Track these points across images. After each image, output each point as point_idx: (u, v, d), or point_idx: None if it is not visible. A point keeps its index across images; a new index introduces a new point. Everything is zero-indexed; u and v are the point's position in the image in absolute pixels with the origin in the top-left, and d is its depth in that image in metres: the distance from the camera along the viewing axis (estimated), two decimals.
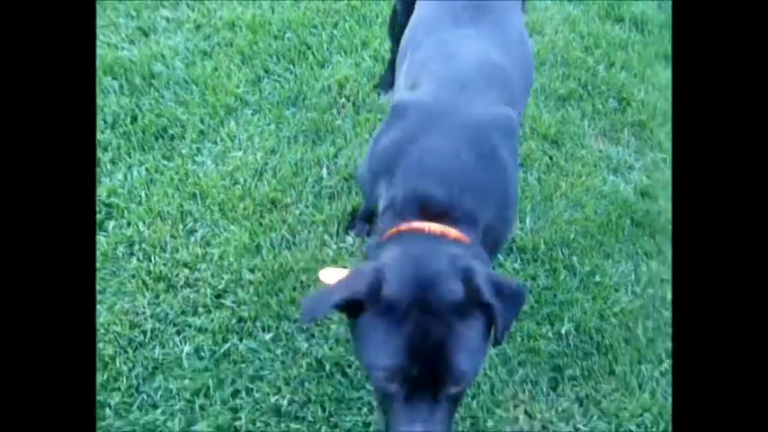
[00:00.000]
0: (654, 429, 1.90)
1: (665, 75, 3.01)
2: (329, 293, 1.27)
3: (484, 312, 1.25)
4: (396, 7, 2.25)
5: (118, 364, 1.83)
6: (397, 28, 2.10)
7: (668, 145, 2.71)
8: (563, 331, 2.05)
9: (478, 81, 1.60)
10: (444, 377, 1.21)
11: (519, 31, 1.86)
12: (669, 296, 2.20)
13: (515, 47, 1.77)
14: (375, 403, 1.34)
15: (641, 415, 1.93)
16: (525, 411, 1.90)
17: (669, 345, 2.09)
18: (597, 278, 2.21)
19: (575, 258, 2.24)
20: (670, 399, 1.95)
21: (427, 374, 1.21)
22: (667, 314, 2.16)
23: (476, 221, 1.43)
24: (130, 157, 2.32)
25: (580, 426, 1.89)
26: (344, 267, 2.00)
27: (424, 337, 1.20)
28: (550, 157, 2.55)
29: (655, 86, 2.94)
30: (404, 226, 1.38)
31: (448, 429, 1.27)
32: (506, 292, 1.27)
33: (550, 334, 2.04)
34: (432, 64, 1.66)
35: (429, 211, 1.40)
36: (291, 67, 2.74)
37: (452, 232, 1.37)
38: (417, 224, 1.38)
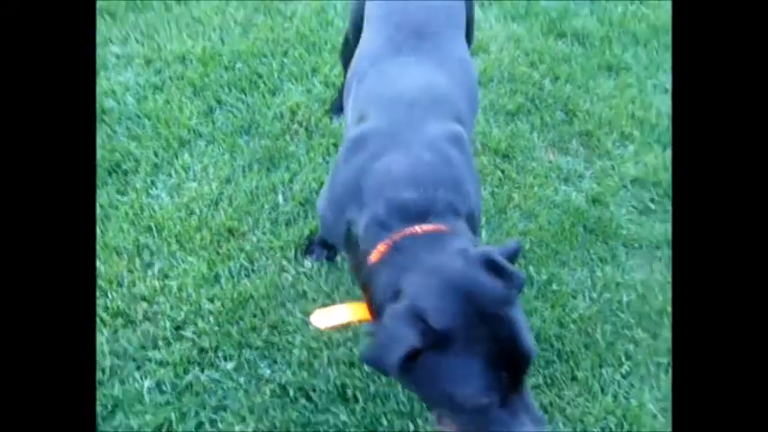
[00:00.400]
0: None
1: (607, 85, 3.11)
2: (380, 358, 1.19)
3: (511, 285, 1.26)
4: (347, 35, 2.30)
5: None
6: (348, 54, 2.15)
7: (616, 152, 2.79)
8: None
9: (425, 102, 1.64)
10: (524, 367, 1.23)
11: (460, 57, 1.90)
12: (625, 299, 2.25)
13: (457, 71, 1.81)
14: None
15: (605, 418, 1.96)
16: None
17: (628, 347, 2.13)
18: (554, 286, 2.25)
19: (531, 268, 2.28)
20: (632, 401, 1.99)
21: (512, 373, 1.22)
22: (625, 317, 2.21)
23: (458, 211, 1.45)
24: None
25: None
26: (333, 305, 1.97)
27: (494, 343, 1.19)
28: (502, 171, 2.60)
29: (599, 97, 3.03)
30: (396, 235, 1.37)
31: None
32: (514, 256, 1.33)
33: None
34: (378, 93, 1.70)
35: (412, 213, 1.40)
36: (243, 96, 2.76)
37: (443, 227, 1.38)
38: (409, 229, 1.37)
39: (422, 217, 1.40)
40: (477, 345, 1.18)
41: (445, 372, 1.20)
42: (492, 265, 1.25)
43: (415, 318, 1.17)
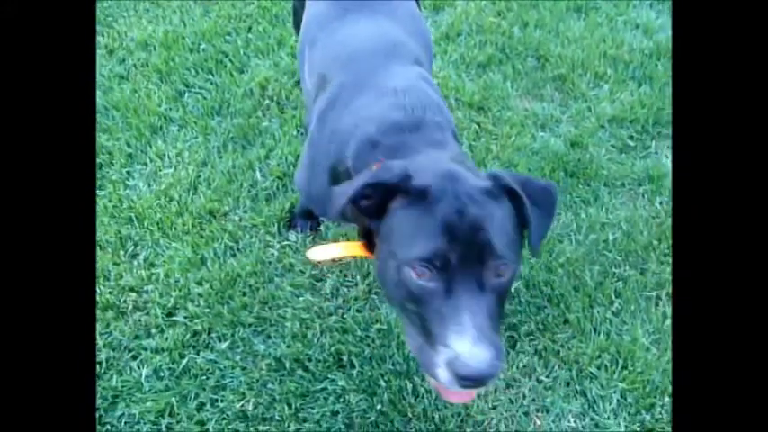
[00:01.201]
0: (613, 368, 1.95)
1: (577, 26, 3.08)
2: (359, 179, 1.26)
3: (513, 204, 1.26)
4: (294, 4, 2.29)
5: None
6: (299, 22, 2.13)
7: (591, 93, 2.78)
8: (513, 290, 2.09)
9: (384, 50, 1.66)
10: (484, 258, 1.17)
11: (407, 8, 1.91)
12: (611, 238, 2.26)
13: (407, 21, 1.83)
14: (406, 327, 1.29)
15: (600, 356, 1.98)
16: None
17: (617, 285, 2.15)
18: None
19: None
20: (625, 336, 2.02)
21: (466, 259, 1.17)
22: (611, 256, 2.22)
23: (445, 129, 1.48)
24: None
25: (542, 377, 1.93)
26: (334, 242, 2.02)
27: (459, 217, 1.18)
28: (478, 124, 2.59)
29: (569, 39, 3.00)
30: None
31: (497, 324, 1.21)
32: (533, 187, 1.28)
33: None
34: (334, 52, 1.70)
35: (405, 127, 1.44)
36: (211, 77, 2.73)
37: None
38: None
39: (414, 130, 1.43)
40: (440, 211, 1.19)
41: (403, 229, 1.23)
42: (491, 173, 1.28)
43: (404, 168, 1.25)
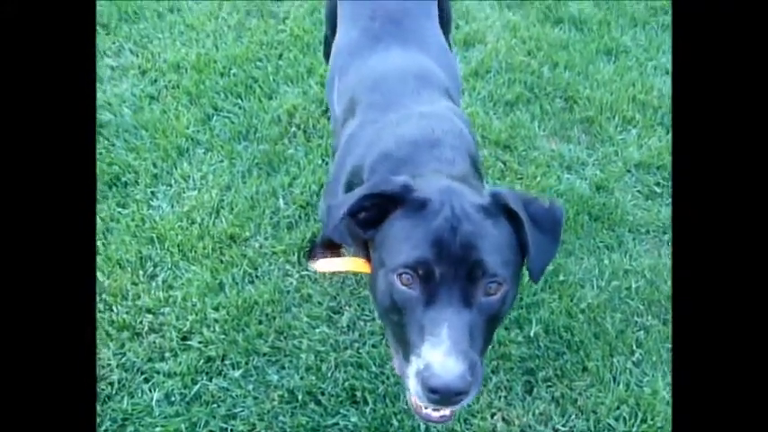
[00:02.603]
0: (632, 421, 1.90)
1: (607, 69, 3.07)
2: (358, 191, 1.27)
3: (512, 224, 1.26)
4: (326, 34, 2.31)
5: None
6: (329, 52, 2.16)
7: (618, 137, 2.76)
8: (532, 334, 2.05)
9: (414, 77, 1.68)
10: (475, 275, 1.16)
11: (437, 41, 1.94)
12: (634, 286, 2.22)
13: (437, 53, 1.86)
14: (390, 340, 1.30)
15: (618, 408, 1.93)
16: (503, 418, 1.89)
17: (639, 334, 2.10)
18: (561, 277, 2.22)
19: None
20: (646, 389, 1.97)
21: (455, 273, 1.16)
22: (634, 304, 2.18)
23: (463, 153, 1.49)
24: None
25: (559, 426, 1.89)
26: (340, 256, 2.05)
27: (451, 231, 1.18)
28: (504, 163, 2.58)
29: (599, 82, 2.99)
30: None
31: (480, 345, 1.18)
32: (536, 208, 1.27)
33: (520, 338, 2.04)
34: (364, 78, 1.72)
35: (421, 144, 1.46)
36: (240, 101, 2.75)
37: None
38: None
39: (428, 147, 1.44)
40: (434, 226, 1.19)
41: (396, 238, 1.23)
42: (493, 192, 1.27)
43: (406, 181, 1.26)
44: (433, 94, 1.67)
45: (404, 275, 1.18)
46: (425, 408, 1.24)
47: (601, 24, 3.34)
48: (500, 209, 1.25)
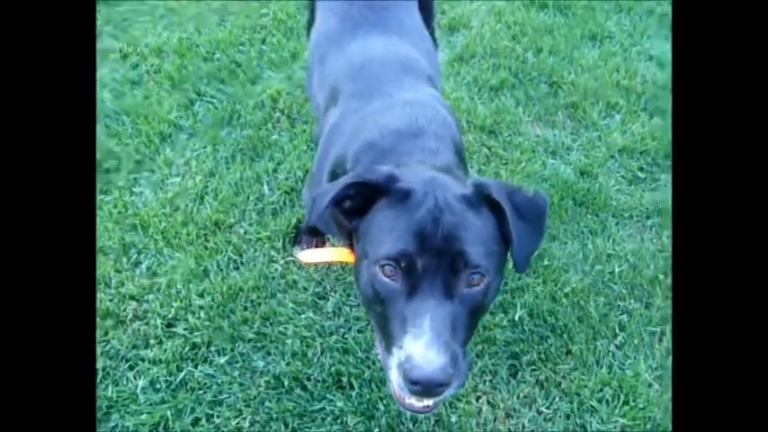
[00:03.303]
0: (615, 403, 1.93)
1: (591, 55, 3.08)
2: (343, 179, 1.27)
3: (495, 215, 1.25)
4: (308, 19, 2.29)
5: None
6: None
7: (602, 123, 2.77)
8: (517, 318, 2.07)
9: (396, 64, 1.67)
10: (457, 266, 1.16)
11: (417, 27, 1.93)
12: (617, 270, 2.24)
13: (417, 39, 1.85)
14: (375, 331, 1.30)
15: (601, 390, 1.96)
16: (488, 402, 1.91)
17: (622, 318, 2.12)
18: (546, 261, 2.24)
19: None
20: (628, 371, 1.99)
21: (437, 265, 1.16)
22: (617, 288, 2.20)
23: (446, 142, 1.49)
24: None
25: (543, 409, 1.91)
26: (325, 243, 2.07)
27: (433, 223, 1.17)
28: (489, 148, 2.58)
29: (583, 67, 3.00)
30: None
31: (463, 336, 1.18)
32: (519, 198, 1.26)
33: (505, 322, 2.06)
34: (346, 65, 1.71)
35: (404, 133, 1.46)
36: (223, 87, 2.72)
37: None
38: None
39: (412, 137, 1.44)
40: (417, 218, 1.19)
41: (379, 229, 1.24)
42: (477, 182, 1.27)
43: (391, 171, 1.26)
44: (415, 81, 1.66)
45: (386, 267, 1.18)
46: (408, 398, 1.24)
47: (585, 9, 3.34)
48: (483, 199, 1.25)
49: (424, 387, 1.10)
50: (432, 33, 2.15)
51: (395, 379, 1.16)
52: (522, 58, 3.00)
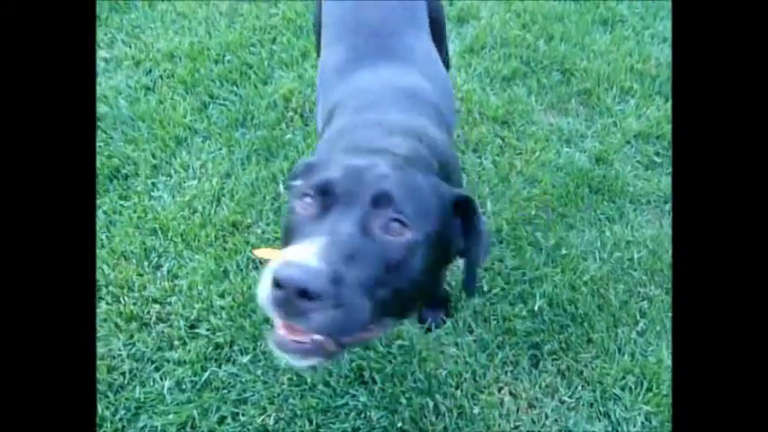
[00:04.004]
0: (638, 390, 1.92)
1: (603, 40, 3.06)
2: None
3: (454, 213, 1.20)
4: (315, 19, 2.27)
5: (100, 409, 1.83)
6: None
7: (617, 108, 2.75)
8: (536, 308, 2.07)
9: (400, 101, 1.60)
10: (379, 201, 1.06)
11: (426, 53, 1.84)
12: (636, 257, 2.23)
13: (426, 66, 1.78)
14: None
15: (624, 377, 1.95)
16: (510, 392, 1.91)
17: (642, 305, 2.12)
18: (563, 250, 2.23)
19: (539, 234, 2.26)
20: (650, 358, 1.98)
21: (357, 196, 1.06)
22: (637, 275, 2.19)
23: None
24: None
25: (565, 398, 1.91)
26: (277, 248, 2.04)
27: (369, 168, 1.10)
28: (502, 138, 2.58)
29: (595, 53, 2.97)
30: None
31: (363, 282, 0.99)
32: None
33: (524, 312, 2.06)
34: (346, 95, 1.66)
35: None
36: (235, 88, 2.75)
37: None
38: None
39: (390, 134, 1.40)
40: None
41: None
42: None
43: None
44: (421, 110, 1.59)
45: (305, 198, 1.10)
46: (280, 327, 1.06)
47: None
48: (451, 196, 1.20)
49: (285, 292, 0.92)
50: (445, 55, 2.08)
51: (263, 294, 0.98)
52: (534, 46, 2.99)
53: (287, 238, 1.13)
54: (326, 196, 1.08)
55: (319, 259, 0.93)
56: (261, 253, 1.65)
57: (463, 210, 1.21)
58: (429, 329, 2.02)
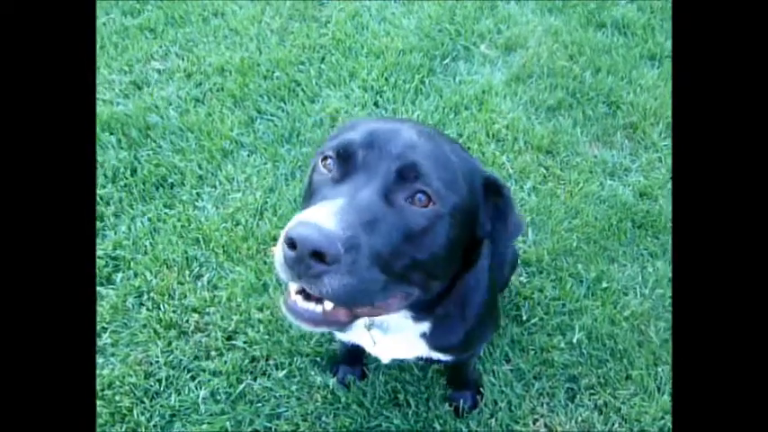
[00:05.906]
0: None
1: (651, 75, 3.04)
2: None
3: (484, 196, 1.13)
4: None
5: (135, 415, 1.84)
6: None
7: (662, 144, 2.72)
8: (575, 340, 2.04)
9: None
10: (405, 174, 0.99)
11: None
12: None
13: None
14: None
15: (663, 418, 1.91)
16: (545, 425, 1.89)
17: None
18: (604, 284, 2.20)
19: (580, 266, 2.24)
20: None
21: (384, 165, 0.99)
22: None
23: None
24: (133, 209, 2.35)
25: None
26: None
27: (394, 133, 1.03)
28: (546, 168, 2.57)
29: (642, 87, 2.96)
30: None
31: (381, 251, 0.94)
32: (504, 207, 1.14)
33: (563, 344, 2.03)
34: None
35: None
36: (283, 105, 2.79)
37: None
38: None
39: None
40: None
41: None
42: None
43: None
44: None
45: (327, 160, 1.04)
46: (293, 294, 1.02)
47: (645, 29, 3.30)
48: (483, 179, 1.12)
49: (298, 252, 0.86)
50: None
51: (277, 255, 0.92)
52: (580, 77, 2.98)
53: (306, 200, 1.09)
54: (348, 159, 1.02)
55: (336, 221, 0.88)
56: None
57: (494, 192, 1.14)
58: (458, 412, 1.88)
